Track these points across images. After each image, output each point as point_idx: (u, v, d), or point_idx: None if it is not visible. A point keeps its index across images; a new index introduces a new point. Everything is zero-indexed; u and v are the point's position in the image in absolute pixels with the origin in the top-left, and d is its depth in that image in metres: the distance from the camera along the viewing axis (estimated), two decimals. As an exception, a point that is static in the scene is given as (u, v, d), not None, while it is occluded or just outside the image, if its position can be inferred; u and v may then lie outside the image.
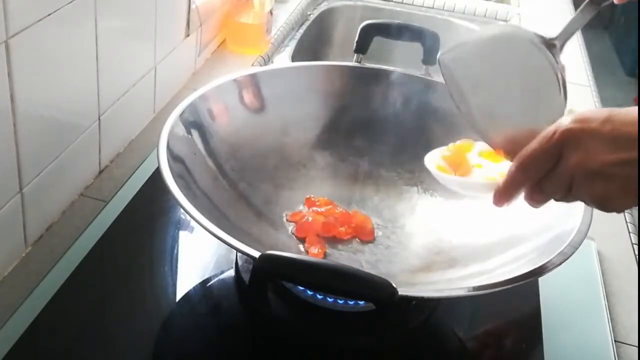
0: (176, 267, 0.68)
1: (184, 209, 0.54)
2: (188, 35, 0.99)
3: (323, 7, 1.43)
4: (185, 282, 0.66)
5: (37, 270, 0.65)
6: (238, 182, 0.70)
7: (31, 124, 0.63)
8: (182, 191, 0.56)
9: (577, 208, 0.59)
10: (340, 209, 0.72)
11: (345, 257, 0.67)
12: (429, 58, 0.79)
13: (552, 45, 0.56)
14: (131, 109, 0.85)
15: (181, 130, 0.65)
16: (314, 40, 1.37)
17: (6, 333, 0.58)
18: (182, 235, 0.73)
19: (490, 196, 0.52)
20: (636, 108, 0.45)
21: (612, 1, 0.58)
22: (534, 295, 0.69)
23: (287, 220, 0.71)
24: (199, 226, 0.53)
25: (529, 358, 0.64)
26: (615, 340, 0.66)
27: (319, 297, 0.60)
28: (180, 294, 0.64)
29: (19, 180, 0.64)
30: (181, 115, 0.66)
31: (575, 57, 1.32)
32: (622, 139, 0.44)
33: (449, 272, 0.64)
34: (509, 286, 0.52)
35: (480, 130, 0.59)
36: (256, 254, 0.49)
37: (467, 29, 1.43)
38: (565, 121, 0.46)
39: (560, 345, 0.64)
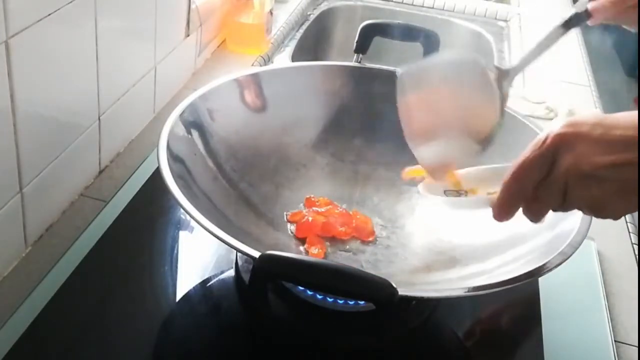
0: (176, 267, 0.68)
1: (184, 209, 0.54)
2: (188, 35, 0.99)
3: (323, 7, 1.43)
4: (185, 282, 0.66)
5: (37, 270, 0.65)
6: (238, 182, 0.70)
7: (31, 124, 0.63)
8: (182, 191, 0.56)
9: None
10: (340, 209, 0.72)
11: (345, 257, 0.67)
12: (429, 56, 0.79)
13: (504, 75, 0.60)
14: (131, 109, 0.85)
15: (181, 130, 0.65)
16: (314, 40, 1.37)
17: (6, 333, 0.58)
18: (182, 235, 0.73)
19: (488, 211, 0.53)
20: (627, 113, 0.45)
21: (586, 23, 0.60)
22: (534, 295, 0.69)
23: (287, 220, 0.71)
24: (199, 226, 0.53)
25: (529, 358, 0.64)
26: (615, 340, 0.66)
27: (319, 297, 0.60)
28: (180, 294, 0.64)
29: (19, 180, 0.64)
30: (181, 115, 0.66)
31: (575, 57, 1.32)
32: (613, 142, 0.44)
33: (449, 272, 0.64)
34: (509, 286, 0.52)
35: (413, 145, 0.61)
36: (256, 254, 0.49)
37: (467, 29, 1.43)
38: (556, 126, 0.46)
39: (560, 345, 0.64)
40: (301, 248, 0.68)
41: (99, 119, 0.77)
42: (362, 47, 0.81)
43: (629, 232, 0.83)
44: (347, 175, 0.77)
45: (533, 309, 0.67)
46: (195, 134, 0.68)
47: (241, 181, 0.71)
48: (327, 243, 0.68)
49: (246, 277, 0.64)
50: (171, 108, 0.67)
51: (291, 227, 0.70)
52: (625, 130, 0.44)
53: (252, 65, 1.10)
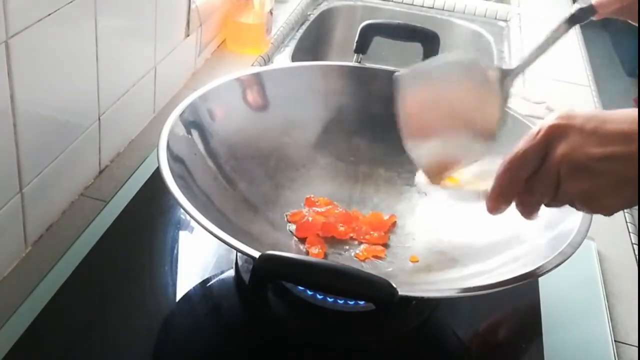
0: (176, 267, 0.68)
1: (184, 209, 0.54)
2: (188, 35, 0.99)
3: (323, 7, 1.43)
4: (185, 282, 0.66)
5: (37, 270, 0.65)
6: (238, 182, 0.70)
7: (31, 124, 0.63)
8: (182, 191, 0.56)
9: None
10: (340, 209, 0.72)
11: (345, 257, 0.67)
12: (428, 58, 0.79)
13: (505, 74, 0.59)
14: (131, 109, 0.85)
15: (181, 130, 0.65)
16: (314, 40, 1.37)
17: (6, 333, 0.58)
18: (182, 235, 0.73)
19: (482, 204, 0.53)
20: (621, 110, 0.46)
21: (591, 19, 0.60)
22: (534, 295, 0.69)
23: (287, 220, 0.71)
24: (199, 226, 0.53)
25: (529, 358, 0.64)
26: (615, 340, 0.66)
27: (319, 297, 0.60)
28: (180, 294, 0.64)
29: (19, 180, 0.64)
30: (181, 115, 0.66)
31: (575, 57, 1.32)
32: (607, 135, 0.45)
33: (449, 272, 0.64)
34: (509, 286, 0.52)
35: (411, 145, 0.61)
36: (256, 254, 0.49)
37: (467, 29, 1.43)
38: (549, 118, 0.47)
39: (560, 345, 0.64)
40: (301, 248, 0.68)
41: (99, 119, 0.77)
42: (362, 47, 0.81)
43: (629, 232, 0.83)
44: (347, 175, 0.77)
45: (533, 309, 0.67)
46: (195, 134, 0.68)
47: (241, 181, 0.71)
48: (327, 243, 0.68)
49: (246, 277, 0.64)
50: (171, 108, 0.67)
51: (291, 227, 0.70)
52: (620, 125, 0.45)
53: (252, 65, 1.10)
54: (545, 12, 1.49)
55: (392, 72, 0.78)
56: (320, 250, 0.66)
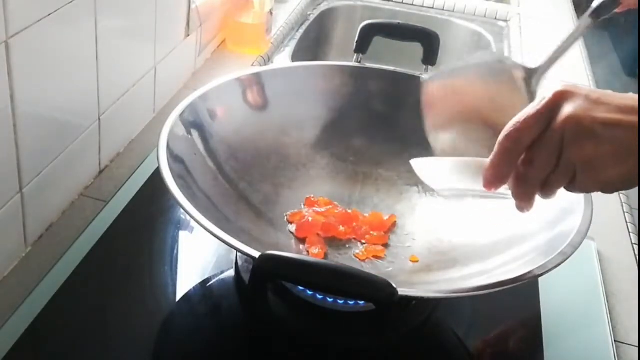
0: (176, 267, 0.68)
1: (184, 209, 0.54)
2: (188, 35, 0.99)
3: (323, 7, 1.43)
4: (185, 282, 0.66)
5: (37, 270, 0.65)
6: (238, 182, 0.70)
7: (31, 124, 0.63)
8: (182, 191, 0.56)
9: (577, 207, 0.59)
10: (340, 209, 0.72)
11: (345, 257, 0.67)
12: (428, 58, 0.79)
13: (532, 74, 0.59)
14: (131, 109, 0.85)
15: (181, 130, 0.65)
16: (314, 40, 1.37)
17: (6, 333, 0.58)
18: (182, 235, 0.73)
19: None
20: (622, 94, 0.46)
21: (614, 13, 0.59)
22: (534, 295, 0.69)
23: (287, 220, 0.71)
24: (199, 226, 0.53)
25: (529, 358, 0.64)
26: (615, 341, 0.66)
27: (319, 297, 0.60)
28: (180, 294, 0.64)
29: (19, 180, 0.64)
30: (181, 115, 0.66)
31: (575, 57, 1.32)
32: (611, 104, 0.45)
33: (449, 272, 0.64)
34: (509, 286, 0.51)
35: (432, 129, 0.61)
36: (256, 254, 0.49)
37: (467, 29, 1.43)
38: (554, 86, 0.47)
39: (560, 345, 0.64)
40: (301, 248, 0.68)
41: (99, 119, 0.77)
42: (362, 47, 0.81)
43: (629, 232, 0.83)
44: (347, 175, 0.77)
45: (533, 309, 0.67)
46: (195, 134, 0.68)
47: (241, 181, 0.71)
48: (327, 243, 0.68)
49: (246, 277, 0.64)
50: (171, 108, 0.67)
51: (291, 227, 0.70)
52: (623, 99, 0.45)
53: (252, 65, 1.10)
54: (545, 12, 1.49)
55: (392, 72, 0.79)
56: (320, 250, 0.66)
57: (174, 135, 0.63)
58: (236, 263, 0.66)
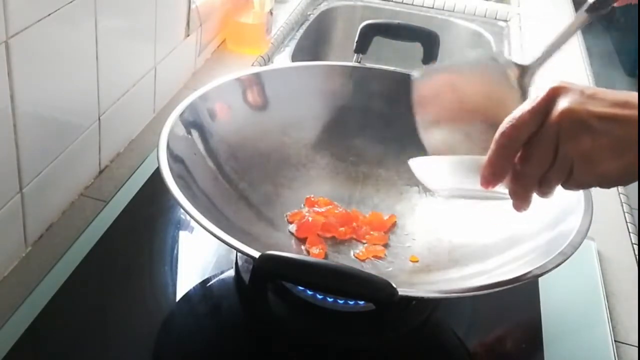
0: (176, 267, 0.68)
1: (184, 209, 0.54)
2: (188, 35, 0.99)
3: (323, 7, 1.43)
4: (185, 282, 0.66)
5: (37, 270, 0.65)
6: (238, 182, 0.70)
7: (31, 124, 0.63)
8: (182, 191, 0.56)
9: (577, 207, 0.59)
10: (340, 209, 0.72)
11: (345, 257, 0.67)
12: (428, 58, 0.79)
13: (524, 71, 0.59)
14: (131, 109, 0.85)
15: (181, 130, 0.65)
16: (314, 40, 1.37)
17: (6, 333, 0.58)
18: (182, 235, 0.73)
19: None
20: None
21: (611, 7, 0.58)
22: (534, 295, 0.69)
23: (287, 220, 0.71)
24: (199, 226, 0.53)
25: (529, 358, 0.64)
26: (615, 341, 0.66)
27: (319, 297, 0.60)
28: (180, 294, 0.64)
29: (19, 180, 0.64)
30: (181, 115, 0.66)
31: (575, 57, 1.32)
32: (605, 99, 0.45)
33: (449, 272, 0.64)
34: (509, 286, 0.51)
35: (424, 127, 0.61)
36: (256, 254, 0.49)
37: (467, 29, 1.43)
38: (549, 83, 0.47)
39: (560, 345, 0.64)
40: (302, 248, 0.68)
41: (99, 119, 0.77)
42: (362, 47, 0.81)
43: (629, 232, 0.83)
44: (347, 175, 0.77)
45: (533, 309, 0.67)
46: (195, 134, 0.68)
47: (241, 181, 0.71)
48: (327, 243, 0.68)
49: (246, 277, 0.64)
50: (171, 108, 0.67)
51: (291, 227, 0.70)
52: (617, 95, 0.45)
53: (252, 65, 1.10)
54: (545, 12, 1.49)
55: (392, 72, 0.79)
56: (321, 251, 0.66)
57: (174, 135, 0.63)
58: (236, 263, 0.66)
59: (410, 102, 0.73)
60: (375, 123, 0.78)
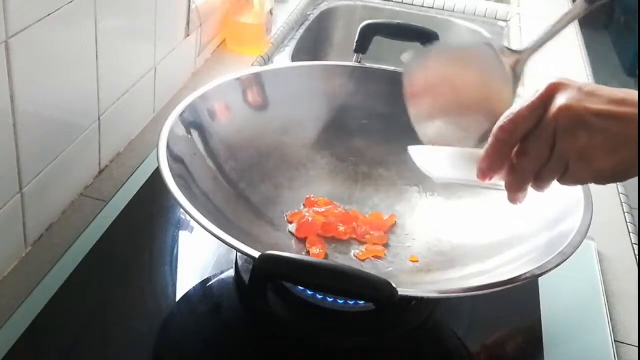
0: (176, 267, 0.68)
1: (183, 209, 0.54)
2: (188, 35, 0.99)
3: (323, 7, 1.43)
4: (185, 282, 0.66)
5: (37, 270, 0.65)
6: (238, 182, 0.70)
7: (31, 124, 0.64)
8: (182, 191, 0.56)
9: (577, 207, 0.59)
10: (340, 209, 0.72)
11: (345, 257, 0.67)
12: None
13: (517, 57, 0.58)
14: (131, 109, 0.85)
15: (181, 130, 0.65)
16: (314, 40, 1.37)
17: (6, 333, 0.58)
18: (182, 235, 0.73)
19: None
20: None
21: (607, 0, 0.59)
22: (534, 295, 0.69)
23: (287, 220, 0.71)
24: (199, 226, 0.53)
25: (529, 358, 0.64)
26: (615, 340, 0.66)
27: (319, 297, 0.60)
28: (180, 294, 0.64)
29: (19, 180, 0.64)
30: (181, 115, 0.66)
31: (575, 57, 1.32)
32: (603, 97, 0.46)
33: (449, 272, 0.64)
34: (509, 286, 0.52)
35: (418, 121, 0.61)
36: (256, 254, 0.49)
37: (467, 29, 1.43)
38: (548, 80, 0.48)
39: (560, 345, 0.64)
40: (302, 248, 0.68)
41: (99, 119, 0.77)
42: (362, 47, 0.81)
43: (629, 232, 0.83)
44: (347, 175, 0.77)
45: (533, 309, 0.67)
46: (195, 134, 0.68)
47: (241, 181, 0.71)
48: (327, 243, 0.68)
49: (246, 277, 0.64)
50: (171, 108, 0.67)
51: (291, 227, 0.70)
52: (614, 92, 0.46)
53: (252, 65, 1.10)
54: (545, 12, 1.49)
55: (392, 72, 0.79)
56: (321, 251, 0.66)
57: (174, 135, 0.63)
58: (236, 263, 0.66)
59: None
60: (375, 123, 0.78)
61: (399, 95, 0.78)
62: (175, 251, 0.70)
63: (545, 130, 0.46)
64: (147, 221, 0.73)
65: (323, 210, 0.71)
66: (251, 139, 0.73)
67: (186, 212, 0.54)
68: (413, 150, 0.59)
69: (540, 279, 0.61)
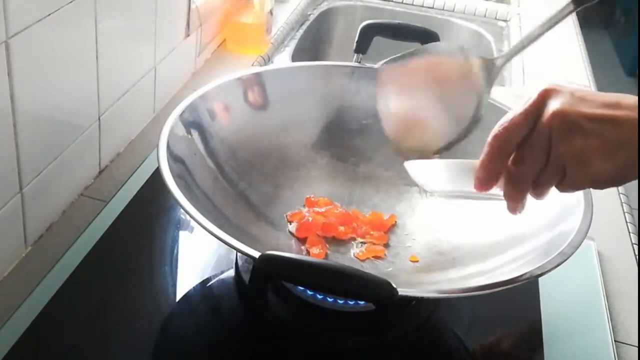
0: (176, 267, 0.68)
1: (184, 209, 0.54)
2: (188, 35, 0.99)
3: (323, 7, 1.43)
4: (185, 282, 0.66)
5: (37, 270, 0.65)
6: (238, 182, 0.70)
7: (31, 124, 0.64)
8: (182, 191, 0.56)
9: (577, 207, 0.59)
10: (340, 209, 0.72)
11: (345, 257, 0.67)
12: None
13: (490, 64, 0.58)
14: (131, 109, 0.85)
15: (181, 130, 0.65)
16: (314, 40, 1.37)
17: (6, 333, 0.58)
18: (182, 235, 0.73)
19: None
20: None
21: (594, 2, 0.59)
22: (534, 295, 0.69)
23: (287, 220, 0.71)
24: (199, 226, 0.53)
25: (529, 358, 0.64)
26: (615, 340, 0.66)
27: (319, 297, 0.60)
28: (180, 294, 0.64)
29: (19, 180, 0.64)
30: (181, 115, 0.66)
31: (575, 57, 1.32)
32: (595, 101, 0.46)
33: (449, 272, 0.64)
34: (509, 286, 0.52)
35: (392, 134, 0.63)
36: (256, 254, 0.49)
37: (467, 29, 1.43)
38: (540, 86, 0.48)
39: (560, 345, 0.64)
40: (302, 248, 0.68)
41: (99, 119, 0.77)
42: (362, 47, 0.81)
43: (629, 232, 0.83)
44: (347, 175, 0.77)
45: (533, 309, 0.67)
46: (195, 134, 0.68)
47: (241, 181, 0.71)
48: (327, 243, 0.68)
49: (246, 277, 0.64)
50: (171, 108, 0.67)
51: (291, 228, 0.70)
52: (606, 97, 0.46)
53: (252, 65, 1.10)
54: (545, 12, 1.49)
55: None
56: (321, 251, 0.66)
57: (174, 135, 0.63)
58: (236, 263, 0.66)
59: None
60: (375, 123, 0.78)
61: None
62: (175, 251, 0.70)
63: (540, 136, 0.46)
64: (147, 221, 0.73)
65: (323, 210, 0.71)
66: (251, 139, 0.73)
67: (186, 212, 0.54)
68: (409, 165, 0.59)
69: (540, 279, 0.61)
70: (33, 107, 0.63)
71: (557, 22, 0.59)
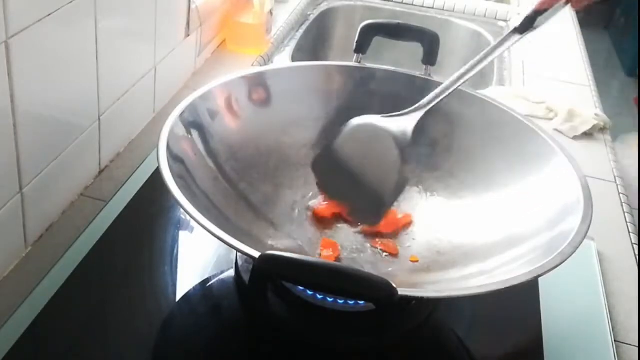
0: (176, 267, 0.68)
1: (184, 209, 0.54)
2: (188, 35, 0.99)
3: (323, 7, 1.43)
4: (185, 282, 0.66)
5: (37, 270, 0.65)
6: (238, 182, 0.70)
7: (31, 124, 0.64)
8: (182, 191, 0.55)
9: (577, 207, 0.59)
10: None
11: (345, 257, 0.67)
12: (429, 58, 0.79)
13: (404, 141, 0.69)
14: (131, 109, 0.85)
15: (181, 130, 0.65)
16: (314, 40, 1.37)
17: (6, 333, 0.58)
18: (182, 235, 0.73)
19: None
20: None
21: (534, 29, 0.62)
22: (534, 295, 0.69)
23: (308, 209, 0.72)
24: (199, 226, 0.53)
25: (529, 358, 0.64)
26: (615, 340, 0.66)
27: (319, 297, 0.60)
28: (180, 294, 0.64)
29: (19, 180, 0.64)
30: (181, 115, 0.66)
31: (575, 57, 1.32)
32: None
33: (449, 272, 0.64)
34: (509, 286, 0.51)
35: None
36: (256, 254, 0.49)
37: (467, 29, 1.43)
38: None
39: (560, 345, 0.64)
40: (303, 248, 0.67)
41: (99, 119, 0.77)
42: (362, 47, 0.80)
43: (629, 232, 0.83)
44: (347, 175, 0.77)
45: (533, 309, 0.67)
46: (195, 134, 0.68)
47: (241, 181, 0.70)
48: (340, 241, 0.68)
49: (246, 277, 0.64)
50: (171, 108, 0.67)
51: (298, 222, 0.70)
52: None
53: (252, 65, 1.10)
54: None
55: (392, 72, 0.79)
56: (333, 254, 0.66)
57: (174, 135, 0.63)
58: (236, 263, 0.66)
59: (411, 102, 0.74)
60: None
61: (399, 95, 0.79)
62: (175, 251, 0.70)
63: None
64: (147, 221, 0.73)
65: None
66: (251, 138, 0.73)
67: (186, 212, 0.54)
68: None
69: (540, 279, 0.60)
70: (33, 107, 0.63)
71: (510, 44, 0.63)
